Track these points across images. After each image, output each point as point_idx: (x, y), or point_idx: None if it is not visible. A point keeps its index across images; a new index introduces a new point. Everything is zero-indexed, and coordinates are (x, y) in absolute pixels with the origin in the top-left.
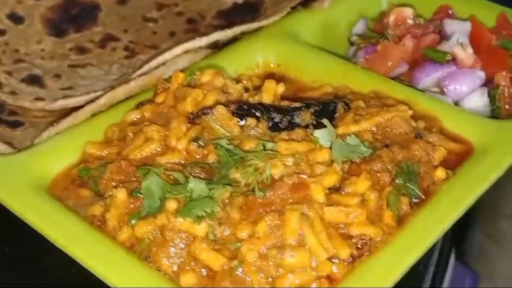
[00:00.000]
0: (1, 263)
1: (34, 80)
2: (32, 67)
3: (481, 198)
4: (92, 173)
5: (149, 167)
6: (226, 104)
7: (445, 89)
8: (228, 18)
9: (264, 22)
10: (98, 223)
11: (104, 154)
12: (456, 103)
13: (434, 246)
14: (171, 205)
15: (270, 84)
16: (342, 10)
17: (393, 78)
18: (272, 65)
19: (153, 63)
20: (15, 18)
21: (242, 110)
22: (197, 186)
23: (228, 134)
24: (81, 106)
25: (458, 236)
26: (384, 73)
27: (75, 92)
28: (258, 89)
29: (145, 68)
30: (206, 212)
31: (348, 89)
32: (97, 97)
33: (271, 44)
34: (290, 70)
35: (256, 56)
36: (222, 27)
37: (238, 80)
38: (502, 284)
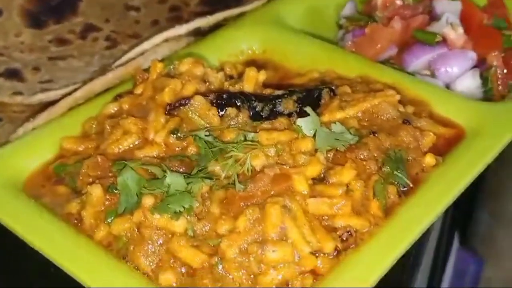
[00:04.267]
0: None
1: (13, 74)
2: (11, 61)
3: (484, 180)
4: (69, 170)
5: (125, 162)
6: (205, 94)
7: (436, 72)
8: (212, 3)
9: (247, 7)
10: (75, 221)
11: (81, 149)
12: (448, 86)
13: (429, 233)
14: (148, 201)
15: (251, 72)
16: None
17: (382, 62)
18: (257, 52)
19: (132, 53)
20: None
21: (221, 99)
22: (174, 181)
23: (207, 125)
24: (58, 100)
25: (462, 220)
26: (373, 56)
27: (54, 85)
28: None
29: (124, 58)
30: (184, 207)
31: (335, 74)
32: (74, 90)
33: (255, 30)
34: (276, 56)
35: (240, 43)
36: (205, 14)
37: (221, 68)
38: (508, 267)
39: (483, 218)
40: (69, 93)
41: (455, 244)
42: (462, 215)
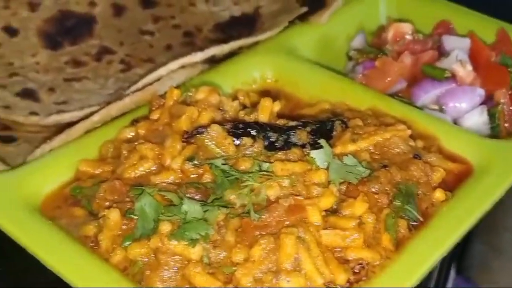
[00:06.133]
0: None
1: (28, 94)
2: (27, 81)
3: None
4: (86, 192)
5: (143, 188)
6: (221, 123)
7: (444, 107)
8: (225, 31)
9: (261, 37)
10: (91, 244)
11: (98, 172)
12: (456, 121)
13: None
14: (165, 227)
15: (266, 102)
16: (341, 24)
17: (391, 95)
18: (269, 81)
19: (148, 78)
20: (10, 31)
21: (237, 129)
22: (191, 208)
23: (223, 154)
24: (75, 123)
25: (459, 250)
26: (382, 89)
27: (69, 106)
28: (255, 105)
29: (140, 83)
30: (200, 235)
31: (346, 106)
32: (91, 113)
33: (268, 59)
34: (287, 85)
35: (253, 71)
36: (219, 41)
37: (234, 96)
38: None
39: (479, 249)
40: (86, 117)
41: (452, 274)
42: (459, 246)
